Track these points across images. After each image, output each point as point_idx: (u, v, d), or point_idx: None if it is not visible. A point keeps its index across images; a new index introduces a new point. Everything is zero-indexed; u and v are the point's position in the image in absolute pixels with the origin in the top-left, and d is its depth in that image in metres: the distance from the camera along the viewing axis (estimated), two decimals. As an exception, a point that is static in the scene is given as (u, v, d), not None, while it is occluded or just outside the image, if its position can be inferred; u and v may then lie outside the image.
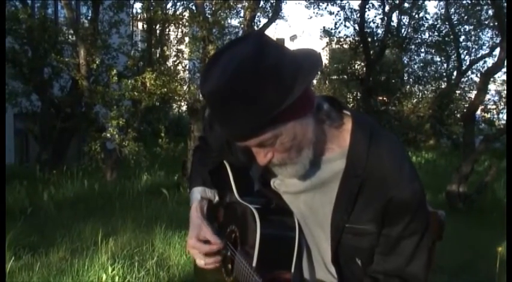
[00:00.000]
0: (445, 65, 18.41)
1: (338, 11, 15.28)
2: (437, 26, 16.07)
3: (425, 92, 18.70)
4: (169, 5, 10.76)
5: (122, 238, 4.73)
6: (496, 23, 8.52)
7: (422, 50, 17.47)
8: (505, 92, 16.93)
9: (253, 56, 1.17)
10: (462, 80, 17.16)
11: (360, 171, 1.31)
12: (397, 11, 15.17)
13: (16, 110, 9.89)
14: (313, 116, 1.28)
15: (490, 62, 15.54)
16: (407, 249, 1.32)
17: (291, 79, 1.18)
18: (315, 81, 14.99)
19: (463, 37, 16.43)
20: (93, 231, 4.80)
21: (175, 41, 9.67)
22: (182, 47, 9.75)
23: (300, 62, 1.22)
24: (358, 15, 14.32)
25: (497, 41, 12.95)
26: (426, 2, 15.89)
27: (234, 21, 11.91)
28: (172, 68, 9.25)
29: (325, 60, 18.87)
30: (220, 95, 1.18)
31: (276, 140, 1.24)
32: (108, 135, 8.05)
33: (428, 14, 15.63)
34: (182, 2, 11.02)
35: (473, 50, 16.91)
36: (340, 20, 15.51)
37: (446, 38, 16.00)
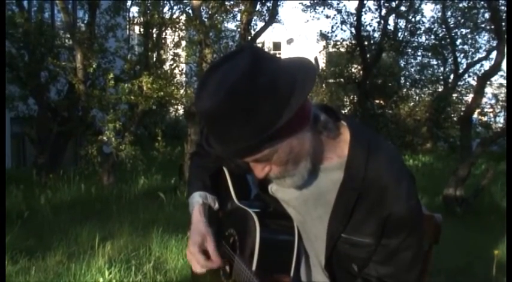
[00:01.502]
0: (441, 68, 18.50)
1: (335, 15, 15.37)
2: (434, 29, 16.15)
3: (422, 95, 18.76)
4: (166, 9, 10.79)
5: (119, 242, 4.72)
6: (493, 26, 8.55)
7: (419, 53, 17.56)
8: (502, 95, 17.01)
9: (247, 73, 1.15)
10: (459, 83, 17.25)
11: (357, 185, 1.31)
12: (393, 15, 15.25)
13: (13, 113, 9.87)
14: (310, 128, 1.27)
15: (486, 65, 15.64)
16: (402, 261, 1.33)
17: (287, 95, 1.17)
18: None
19: (459, 40, 16.54)
20: (90, 235, 4.79)
21: (172, 45, 9.65)
22: (179, 50, 9.75)
23: (295, 76, 1.21)
24: (355, 18, 14.37)
25: (494, 44, 13.00)
26: (423, 6, 15.97)
27: (231, 25, 11.97)
28: (169, 71, 9.24)
29: (321, 63, 18.91)
30: (214, 114, 1.17)
31: (272, 155, 1.24)
32: (105, 138, 8.03)
33: (425, 17, 15.75)
34: (179, 6, 11.06)
35: (470, 53, 17.03)
36: (336, 23, 15.59)
37: (442, 42, 16.07)
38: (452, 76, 17.32)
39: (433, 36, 16.22)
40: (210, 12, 9.05)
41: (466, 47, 16.92)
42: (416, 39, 16.43)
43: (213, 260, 1.46)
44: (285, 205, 1.46)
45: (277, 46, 30.02)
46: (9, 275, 3.73)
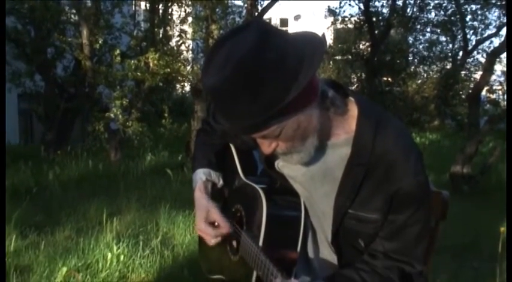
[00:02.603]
0: (450, 45, 18.31)
1: (343, -10, 15.14)
2: (444, 5, 15.89)
3: (430, 72, 18.63)
4: (172, -16, 10.66)
5: (127, 217, 4.76)
6: (503, 2, 8.41)
7: (428, 29, 17.36)
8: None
9: (255, 48, 1.13)
10: (468, 60, 17.08)
11: (365, 160, 1.30)
12: (402, -10, 15.02)
13: (20, 90, 9.89)
14: (317, 104, 1.26)
15: (496, 41, 15.45)
16: (409, 236, 1.33)
17: (295, 70, 1.15)
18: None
19: (469, 16, 16.30)
20: (98, 210, 4.83)
21: (179, 21, 9.59)
22: (185, 26, 9.69)
23: (303, 50, 1.18)
24: (363, -6, 14.17)
25: (504, 21, 12.82)
26: (432, -19, 15.68)
27: (238, 1, 11.83)
28: (175, 48, 9.21)
29: (329, 40, 18.74)
30: (221, 90, 1.15)
31: (280, 131, 1.23)
32: (112, 115, 8.05)
33: (435, -7, 15.43)
34: (185, -19, 10.93)
35: (480, 29, 16.80)
36: (345, -2, 15.35)
37: (452, 18, 15.85)
38: (461, 53, 17.13)
39: (442, 12, 16.00)
40: (216, -12, 8.95)
41: (475, 23, 16.70)
42: (425, 15, 16.24)
43: (221, 226, 1.48)
44: (292, 181, 1.46)
45: (284, 22, 29.73)
46: (19, 249, 3.78)
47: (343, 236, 1.38)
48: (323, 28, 17.28)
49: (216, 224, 1.50)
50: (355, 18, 15.76)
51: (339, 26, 17.18)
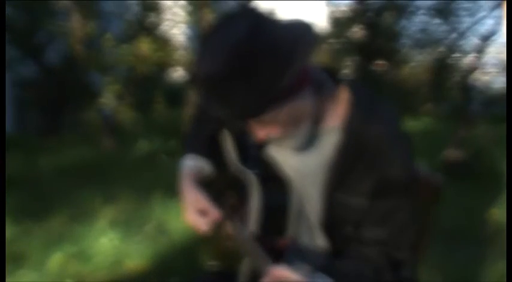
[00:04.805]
0: (443, 27, 18.25)
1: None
2: (436, -13, 15.81)
3: (423, 56, 18.57)
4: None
5: (121, 204, 4.75)
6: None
7: (421, 12, 17.27)
8: (503, 55, 16.83)
9: (249, 35, 1.13)
10: (460, 43, 17.04)
11: (354, 146, 1.31)
12: (395, -27, 14.92)
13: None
14: (310, 89, 1.27)
15: (489, 24, 15.39)
16: (395, 222, 1.34)
17: (289, 55, 1.16)
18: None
19: (461, -1, 16.22)
20: (92, 197, 4.82)
21: (171, 5, 9.51)
22: (177, 10, 9.60)
23: (296, 35, 1.19)
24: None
25: (497, 3, 12.79)
26: (425, -37, 15.58)
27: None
28: (167, 32, 9.14)
29: (322, 24, 18.65)
30: (216, 78, 1.15)
31: (274, 117, 1.23)
32: (104, 101, 8.00)
33: (427, -25, 15.35)
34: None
35: (473, 12, 16.73)
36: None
37: (444, 0, 15.78)
38: (453, 36, 17.11)
39: (434, -5, 15.92)
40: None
41: (468, 5, 16.64)
42: (417, -2, 16.12)
43: (211, 214, 1.46)
44: (284, 167, 1.46)
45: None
46: (13, 237, 3.78)
47: (331, 222, 1.40)
48: (316, 12, 17.23)
49: (206, 211, 1.49)
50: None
51: (332, 10, 17.08)
